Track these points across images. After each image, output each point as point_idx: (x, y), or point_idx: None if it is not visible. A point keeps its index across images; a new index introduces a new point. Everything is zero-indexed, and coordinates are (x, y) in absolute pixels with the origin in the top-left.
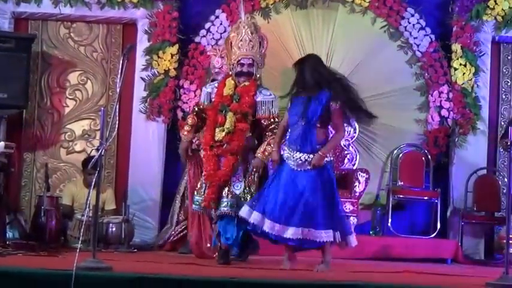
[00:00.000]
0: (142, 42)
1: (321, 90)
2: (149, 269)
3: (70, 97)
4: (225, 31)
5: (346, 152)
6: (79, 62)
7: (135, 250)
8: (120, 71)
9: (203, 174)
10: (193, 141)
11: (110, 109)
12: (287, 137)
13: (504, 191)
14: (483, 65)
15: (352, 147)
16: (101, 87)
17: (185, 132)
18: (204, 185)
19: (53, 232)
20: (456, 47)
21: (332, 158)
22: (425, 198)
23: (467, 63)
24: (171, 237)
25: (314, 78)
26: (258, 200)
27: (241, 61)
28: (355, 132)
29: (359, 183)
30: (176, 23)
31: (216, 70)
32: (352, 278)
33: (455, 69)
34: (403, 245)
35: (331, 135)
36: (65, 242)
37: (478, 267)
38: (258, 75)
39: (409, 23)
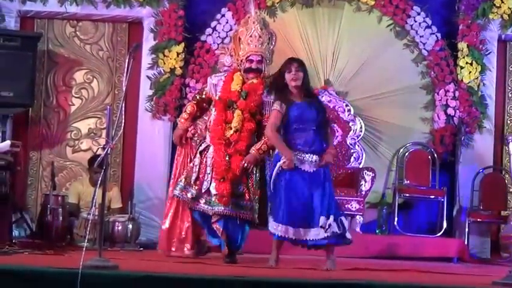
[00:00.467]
0: (148, 41)
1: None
2: (155, 268)
3: (76, 96)
4: (230, 29)
5: (352, 151)
6: (85, 60)
7: (141, 248)
8: (126, 70)
9: (194, 164)
10: (189, 129)
11: (115, 107)
12: (295, 140)
13: (511, 189)
14: (489, 63)
15: (358, 146)
16: (107, 85)
17: (182, 120)
18: (194, 176)
19: (59, 230)
20: (462, 45)
21: None
22: (432, 197)
23: (474, 61)
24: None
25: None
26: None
27: (251, 57)
28: (361, 131)
29: (365, 181)
30: (182, 22)
31: (225, 69)
32: (358, 277)
33: (462, 67)
34: (409, 244)
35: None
36: (71, 241)
37: (484, 266)
38: (266, 73)
39: (415, 22)
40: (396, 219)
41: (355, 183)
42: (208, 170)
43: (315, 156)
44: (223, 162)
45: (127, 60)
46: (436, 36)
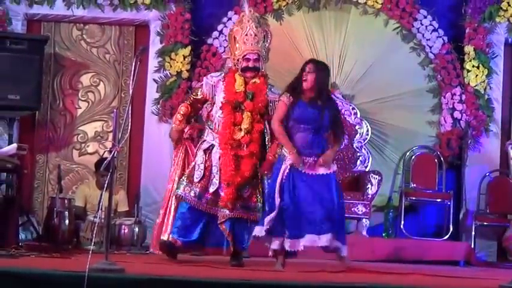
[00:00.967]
0: (155, 44)
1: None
2: (162, 271)
3: (82, 99)
4: None
5: (358, 154)
6: (91, 63)
7: (148, 252)
8: (132, 73)
9: (197, 163)
10: (185, 130)
11: (122, 111)
12: (295, 140)
13: None
14: (496, 66)
15: (364, 149)
16: (114, 89)
17: (177, 122)
18: (198, 175)
19: (66, 234)
20: (469, 48)
21: None
22: (438, 200)
23: (480, 65)
24: None
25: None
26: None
27: (247, 56)
28: (367, 134)
29: (371, 185)
30: (188, 25)
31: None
32: (364, 280)
33: (468, 71)
34: (415, 247)
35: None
36: (78, 244)
37: (491, 270)
38: (264, 71)
39: (422, 25)
40: (403, 222)
41: (361, 187)
42: (215, 169)
43: (311, 158)
44: (231, 167)
45: (133, 64)
46: (443, 39)
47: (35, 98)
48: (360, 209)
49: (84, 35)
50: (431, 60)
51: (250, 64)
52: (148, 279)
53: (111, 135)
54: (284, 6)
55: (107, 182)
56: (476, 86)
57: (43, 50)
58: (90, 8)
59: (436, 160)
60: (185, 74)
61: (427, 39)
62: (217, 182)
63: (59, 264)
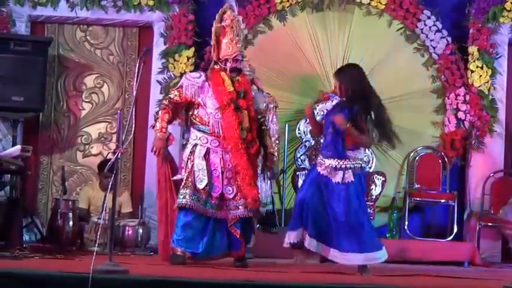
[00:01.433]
0: (159, 45)
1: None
2: (166, 272)
3: (86, 100)
4: None
5: None
6: (95, 65)
7: (152, 253)
8: (136, 74)
9: (198, 169)
10: (170, 138)
11: (126, 112)
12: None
13: None
14: (500, 67)
15: (368, 149)
16: (117, 90)
17: (163, 130)
18: (202, 181)
19: (70, 235)
20: (473, 49)
21: None
22: (442, 201)
23: (484, 65)
24: None
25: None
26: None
27: (237, 57)
28: None
29: (375, 186)
30: (192, 26)
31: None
32: (368, 281)
33: (472, 71)
34: (419, 248)
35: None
36: (82, 245)
37: (495, 270)
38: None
39: (426, 25)
40: (407, 223)
41: (365, 188)
42: (216, 173)
43: (328, 161)
44: (249, 168)
45: (137, 65)
46: (447, 40)
47: (39, 100)
48: None
49: (87, 37)
50: (435, 60)
51: (239, 65)
52: (152, 280)
53: (115, 137)
54: (288, 7)
55: (110, 183)
56: (480, 86)
57: (47, 51)
58: (93, 9)
59: (440, 161)
60: None
61: (430, 40)
62: (220, 185)
63: (63, 266)
